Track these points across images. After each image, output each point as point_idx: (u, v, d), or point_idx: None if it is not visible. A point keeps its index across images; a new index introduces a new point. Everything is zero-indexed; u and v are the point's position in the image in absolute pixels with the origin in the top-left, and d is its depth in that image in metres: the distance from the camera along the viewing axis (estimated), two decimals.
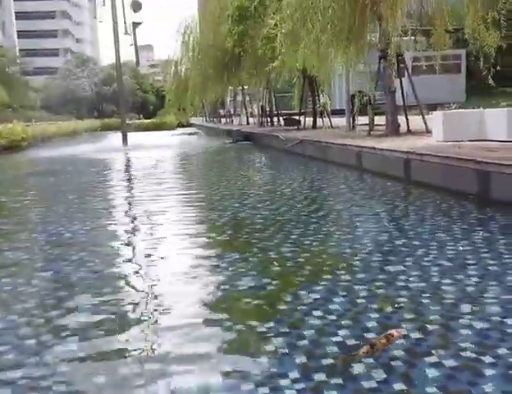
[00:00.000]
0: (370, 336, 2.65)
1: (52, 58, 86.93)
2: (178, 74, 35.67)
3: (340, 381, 2.26)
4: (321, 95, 19.87)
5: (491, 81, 9.38)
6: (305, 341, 2.66)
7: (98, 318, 3.16)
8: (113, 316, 3.21)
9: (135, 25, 23.20)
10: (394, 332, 2.53)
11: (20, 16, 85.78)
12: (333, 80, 22.71)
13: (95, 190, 9.55)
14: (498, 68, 9.73)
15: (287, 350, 2.58)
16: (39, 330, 3.04)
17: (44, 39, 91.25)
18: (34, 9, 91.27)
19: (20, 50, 71.85)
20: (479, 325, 2.75)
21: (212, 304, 3.36)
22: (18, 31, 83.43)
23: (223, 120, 44.13)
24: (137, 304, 3.37)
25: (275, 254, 4.32)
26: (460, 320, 2.83)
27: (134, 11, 22.70)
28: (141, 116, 68.32)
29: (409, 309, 3.01)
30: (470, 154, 6.67)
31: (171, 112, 43.95)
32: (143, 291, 3.64)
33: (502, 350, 2.47)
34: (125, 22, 23.00)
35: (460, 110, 11.90)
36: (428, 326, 2.77)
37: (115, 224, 6.21)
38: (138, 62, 27.41)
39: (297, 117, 21.25)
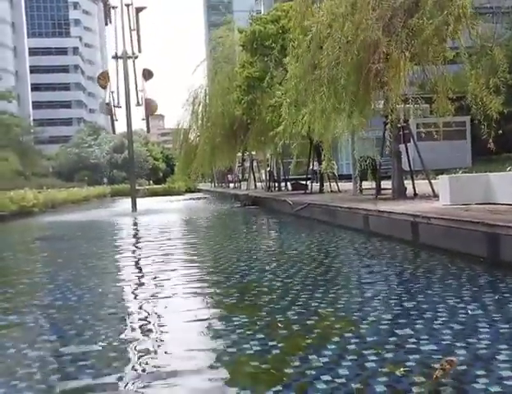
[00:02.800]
0: None
1: (66, 127, 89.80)
2: (188, 142, 36.41)
3: None
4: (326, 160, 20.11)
5: (492, 145, 9.46)
6: None
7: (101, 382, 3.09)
8: (118, 376, 3.14)
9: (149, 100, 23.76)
10: (452, 358, 2.85)
11: (36, 87, 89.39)
12: (339, 145, 23.01)
13: (101, 254, 9.53)
14: (501, 133, 9.86)
15: None
16: None
17: (59, 110, 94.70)
18: (50, 81, 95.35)
19: (35, 120, 74.26)
20: (494, 388, 2.67)
21: (219, 368, 3.28)
22: (33, 102, 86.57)
23: (231, 185, 44.67)
24: (141, 365, 3.30)
25: (282, 316, 4.25)
26: (474, 385, 2.75)
27: (145, 80, 23.40)
28: (151, 182, 69.50)
29: (420, 373, 2.92)
30: (478, 217, 6.67)
31: (181, 179, 44.56)
32: (148, 354, 3.56)
33: None
34: (137, 92, 23.74)
35: (467, 174, 11.98)
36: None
37: (121, 288, 6.19)
38: (148, 131, 28.02)
39: (304, 182, 21.47)
